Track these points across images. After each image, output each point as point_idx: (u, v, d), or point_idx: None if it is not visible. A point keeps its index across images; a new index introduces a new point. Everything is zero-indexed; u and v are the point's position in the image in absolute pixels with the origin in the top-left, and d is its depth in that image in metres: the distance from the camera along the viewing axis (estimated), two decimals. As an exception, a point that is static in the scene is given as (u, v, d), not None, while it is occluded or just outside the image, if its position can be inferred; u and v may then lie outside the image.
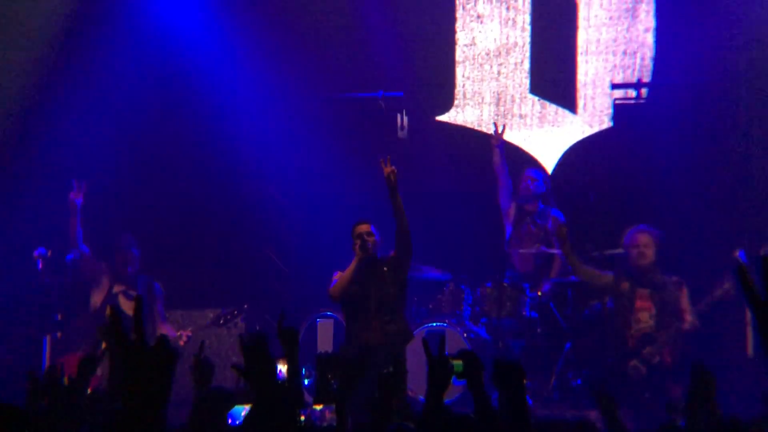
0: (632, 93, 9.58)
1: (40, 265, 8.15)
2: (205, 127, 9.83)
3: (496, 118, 9.93)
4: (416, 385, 7.56)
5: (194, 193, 9.90)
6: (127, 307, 8.23)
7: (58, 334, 8.23)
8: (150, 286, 8.43)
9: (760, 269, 2.43)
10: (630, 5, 9.69)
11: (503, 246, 9.07)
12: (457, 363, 3.82)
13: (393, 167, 7.04)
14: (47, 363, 8.01)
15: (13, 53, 9.31)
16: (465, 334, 8.46)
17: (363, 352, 7.09)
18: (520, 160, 9.72)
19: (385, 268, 7.29)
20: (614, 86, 9.63)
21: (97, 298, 8.30)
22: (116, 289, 8.35)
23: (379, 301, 7.25)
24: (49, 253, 8.20)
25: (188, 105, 9.81)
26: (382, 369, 6.88)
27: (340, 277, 7.33)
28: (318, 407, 5.22)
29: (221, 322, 8.56)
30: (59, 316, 8.32)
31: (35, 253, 8.18)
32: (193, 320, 8.92)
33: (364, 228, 7.34)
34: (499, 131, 9.13)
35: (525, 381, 3.50)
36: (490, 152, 9.19)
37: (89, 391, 4.42)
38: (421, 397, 8.29)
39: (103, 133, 9.41)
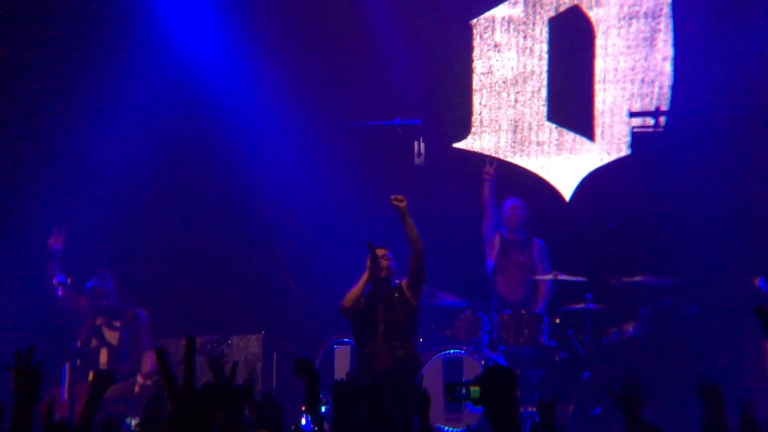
0: (650, 121, 9.59)
1: (60, 293, 8.19)
2: (222, 153, 9.87)
3: (513, 145, 9.95)
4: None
5: (211, 219, 9.93)
6: (111, 337, 8.35)
7: (77, 362, 8.25)
8: (133, 315, 8.49)
9: None
10: (648, 34, 9.71)
11: (486, 275, 9.13)
12: (474, 389, 3.80)
13: (397, 196, 7.14)
14: (66, 390, 8.03)
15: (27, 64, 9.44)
16: (483, 362, 8.43)
17: (375, 379, 7.07)
18: (537, 187, 9.73)
19: (396, 294, 7.31)
20: (632, 114, 9.64)
21: (81, 332, 8.35)
22: (98, 321, 8.43)
23: (389, 326, 7.25)
24: (69, 281, 8.24)
25: (206, 132, 9.86)
26: (392, 396, 6.90)
27: (350, 290, 7.36)
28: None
29: (208, 348, 8.62)
30: (78, 344, 8.35)
31: (55, 281, 8.23)
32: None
33: (380, 252, 7.39)
34: (491, 167, 9.21)
35: (516, 391, 3.44)
36: (507, 178, 9.23)
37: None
38: (439, 425, 8.26)
39: (118, 157, 9.46)
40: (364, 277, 7.33)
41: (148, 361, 8.42)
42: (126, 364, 8.37)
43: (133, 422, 5.89)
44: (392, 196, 7.18)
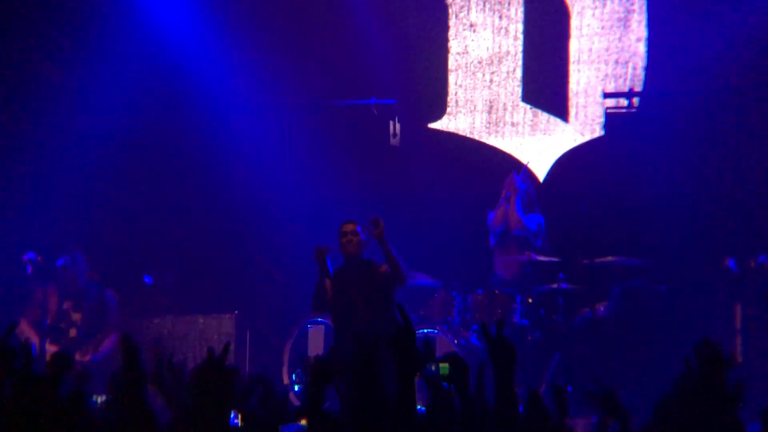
0: (624, 102, 9.62)
1: (30, 270, 8.14)
2: (198, 133, 9.84)
3: (488, 125, 9.96)
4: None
5: (186, 199, 9.90)
6: (79, 318, 8.34)
7: (47, 340, 8.22)
8: (101, 295, 8.45)
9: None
10: (622, 15, 9.73)
11: (490, 252, 9.11)
12: (443, 366, 3.84)
13: (372, 220, 7.10)
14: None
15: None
16: (456, 341, 8.47)
17: (355, 347, 7.07)
18: (510, 167, 9.75)
19: (371, 274, 7.30)
20: (606, 95, 9.66)
21: (50, 312, 8.32)
22: (66, 305, 8.40)
23: (366, 300, 7.25)
24: (38, 258, 8.19)
25: (180, 111, 9.82)
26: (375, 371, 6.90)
27: (314, 298, 7.34)
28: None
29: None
30: (48, 321, 8.31)
31: (24, 258, 8.17)
32: (181, 326, 8.94)
33: (349, 227, 7.36)
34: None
35: (514, 365, 3.49)
36: (482, 159, 9.25)
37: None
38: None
39: (94, 135, 9.42)
40: (323, 281, 7.31)
41: (108, 342, 8.40)
42: (92, 344, 8.35)
43: (99, 399, 5.89)
44: (366, 226, 7.12)
